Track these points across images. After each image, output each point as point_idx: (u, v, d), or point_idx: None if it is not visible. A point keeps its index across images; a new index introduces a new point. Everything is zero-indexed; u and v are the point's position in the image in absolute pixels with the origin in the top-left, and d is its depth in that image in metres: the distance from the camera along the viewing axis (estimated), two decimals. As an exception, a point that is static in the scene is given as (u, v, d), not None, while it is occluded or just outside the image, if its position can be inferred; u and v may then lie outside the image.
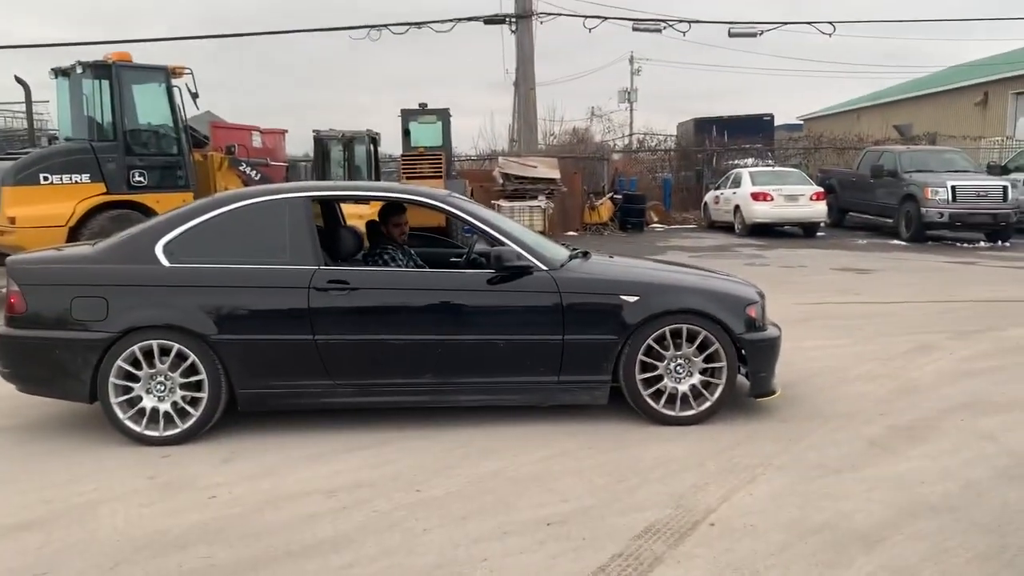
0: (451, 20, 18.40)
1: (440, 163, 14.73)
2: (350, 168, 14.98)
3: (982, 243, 15.30)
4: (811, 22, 18.96)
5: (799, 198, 16.77)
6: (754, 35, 19.35)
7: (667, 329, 4.65)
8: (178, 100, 10.59)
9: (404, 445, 4.44)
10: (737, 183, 17.93)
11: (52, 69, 10.42)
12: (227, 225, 4.64)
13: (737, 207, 17.57)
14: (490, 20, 18.93)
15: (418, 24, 18.38)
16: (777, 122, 38.28)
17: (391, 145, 20.11)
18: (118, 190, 9.98)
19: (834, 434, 4.53)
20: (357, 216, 8.17)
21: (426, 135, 15.57)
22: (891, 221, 16.44)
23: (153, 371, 4.43)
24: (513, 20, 18.99)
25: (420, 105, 15.62)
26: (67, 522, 3.52)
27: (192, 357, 4.41)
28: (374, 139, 15.22)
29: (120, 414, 4.41)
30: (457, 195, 5.50)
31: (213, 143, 13.20)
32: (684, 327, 4.66)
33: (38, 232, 9.42)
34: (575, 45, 64.15)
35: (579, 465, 4.11)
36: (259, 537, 3.35)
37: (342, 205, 6.21)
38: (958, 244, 15.32)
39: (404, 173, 14.76)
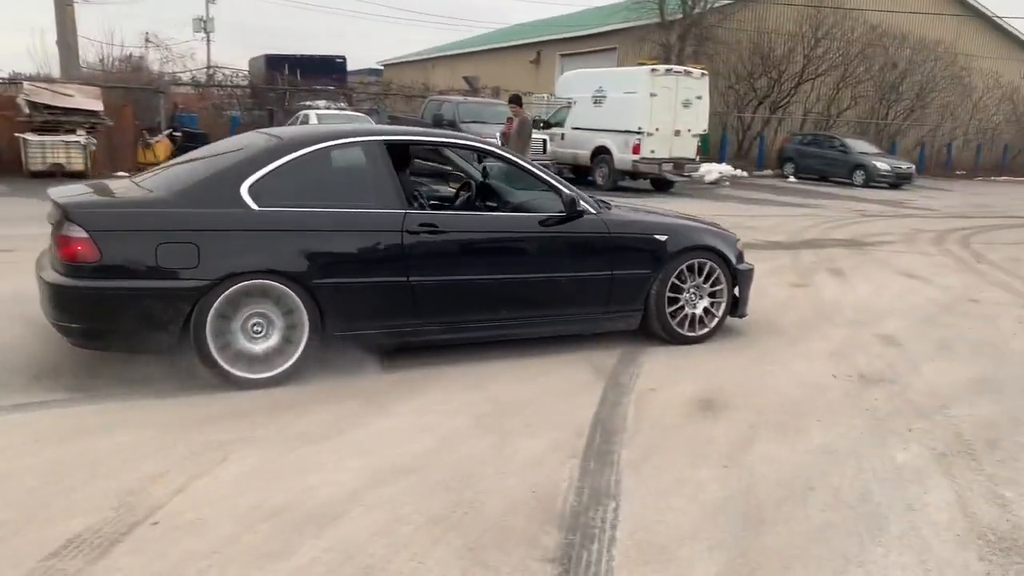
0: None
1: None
2: None
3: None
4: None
5: (365, 143, 16.79)
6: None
7: (689, 263, 5.49)
8: None
9: None
10: (305, 126, 17.45)
11: None
12: (306, 168, 4.59)
13: (306, 150, 17.11)
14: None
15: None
16: (359, 66, 38.23)
17: None
18: None
19: (323, 400, 4.30)
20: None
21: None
22: (450, 169, 17.24)
23: (250, 312, 4.32)
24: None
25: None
26: None
27: (295, 301, 4.37)
28: None
29: (220, 359, 4.25)
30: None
31: None
32: (698, 262, 5.53)
33: None
34: (143, -38, 57.58)
35: (10, 467, 3.37)
36: None
37: None
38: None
39: None
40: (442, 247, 4.76)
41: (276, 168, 4.50)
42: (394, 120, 20.27)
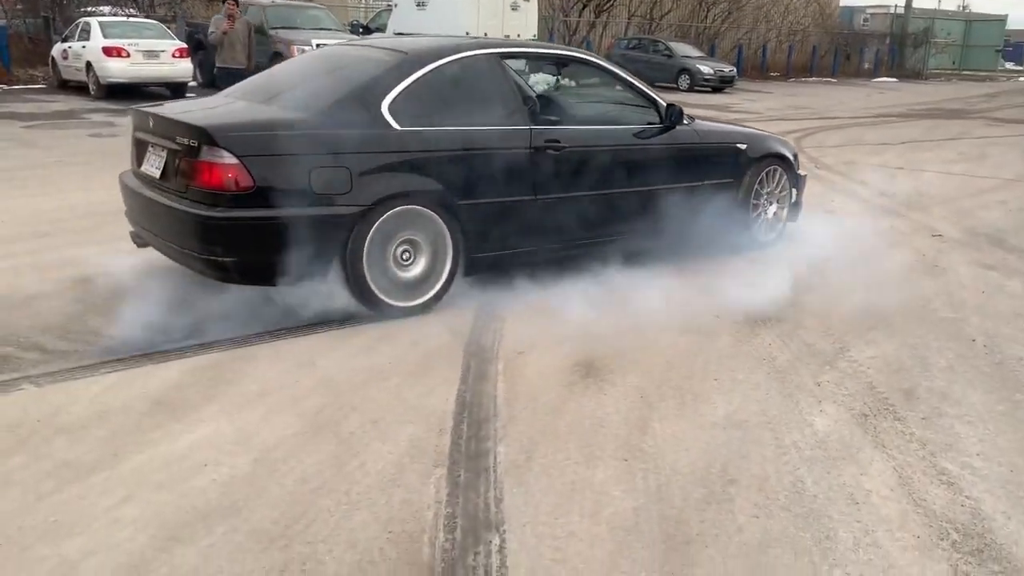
0: None
1: None
2: None
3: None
4: None
5: (160, 55, 14.76)
6: None
7: (767, 170, 5.67)
8: None
9: None
10: (87, 35, 15.08)
11: None
12: (437, 84, 4.35)
13: (89, 64, 14.83)
14: None
15: None
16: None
17: None
18: None
19: (96, 406, 3.25)
20: None
21: None
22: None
23: (402, 238, 4.15)
24: None
25: None
26: None
27: (440, 224, 4.21)
28: None
29: (375, 288, 4.07)
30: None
31: None
32: (772, 168, 5.71)
33: None
34: None
35: None
36: None
37: None
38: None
39: None
40: (563, 163, 4.65)
41: (410, 85, 4.25)
42: (192, 28, 18.03)
